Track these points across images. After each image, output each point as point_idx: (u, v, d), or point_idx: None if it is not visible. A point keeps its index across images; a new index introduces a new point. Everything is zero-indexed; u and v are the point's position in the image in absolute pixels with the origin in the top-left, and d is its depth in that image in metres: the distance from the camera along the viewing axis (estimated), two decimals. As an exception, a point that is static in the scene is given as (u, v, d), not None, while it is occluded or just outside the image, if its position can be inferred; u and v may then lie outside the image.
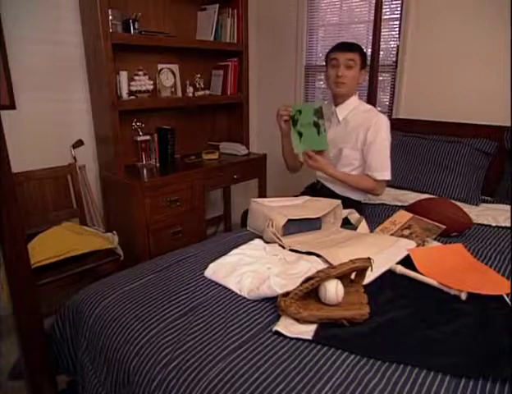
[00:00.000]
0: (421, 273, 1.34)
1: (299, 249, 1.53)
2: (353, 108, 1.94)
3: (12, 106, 2.06)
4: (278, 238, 1.59)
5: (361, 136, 1.89)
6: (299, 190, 2.28)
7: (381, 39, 2.26)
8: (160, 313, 1.19)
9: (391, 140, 1.91)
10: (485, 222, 1.86)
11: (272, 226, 1.62)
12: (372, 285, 1.28)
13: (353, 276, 1.24)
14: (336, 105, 1.97)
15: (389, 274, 1.36)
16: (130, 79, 2.35)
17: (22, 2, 2.02)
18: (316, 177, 2.18)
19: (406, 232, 1.65)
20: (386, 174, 1.88)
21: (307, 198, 1.91)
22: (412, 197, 2.10)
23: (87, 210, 2.34)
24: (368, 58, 2.07)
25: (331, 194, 1.96)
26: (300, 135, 1.85)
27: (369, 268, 1.20)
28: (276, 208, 1.71)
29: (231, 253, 1.53)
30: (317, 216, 1.72)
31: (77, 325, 1.29)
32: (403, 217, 1.75)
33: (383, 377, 0.92)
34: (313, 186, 2.21)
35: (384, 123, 1.87)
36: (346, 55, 1.83)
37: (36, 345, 1.24)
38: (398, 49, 2.56)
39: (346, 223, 1.82)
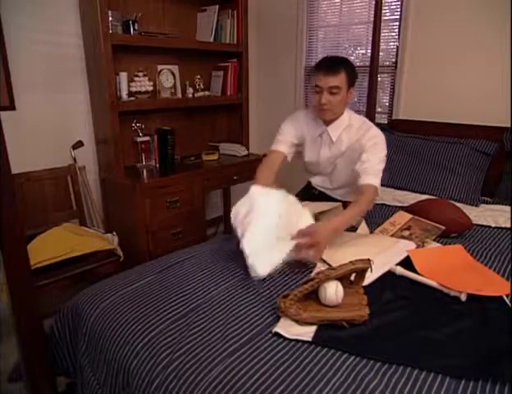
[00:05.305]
0: (421, 274, 1.34)
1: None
2: (346, 126, 1.78)
3: (12, 107, 2.06)
4: None
5: (357, 154, 1.72)
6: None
7: (381, 40, 2.26)
8: (160, 314, 1.19)
9: (386, 152, 1.73)
10: (484, 223, 1.86)
11: None
12: (372, 286, 1.28)
13: (352, 277, 1.25)
14: (327, 124, 1.80)
15: (389, 275, 1.36)
16: (130, 80, 2.35)
17: (22, 3, 2.02)
18: (308, 180, 2.09)
19: (406, 233, 1.65)
20: (377, 181, 1.65)
21: (306, 202, 1.89)
22: (411, 198, 2.10)
23: (87, 211, 2.34)
24: (368, 59, 2.06)
25: (332, 200, 1.93)
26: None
27: (369, 270, 1.20)
28: None
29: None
30: (317, 212, 1.71)
31: (77, 326, 1.29)
32: (402, 218, 1.75)
33: (383, 378, 0.92)
34: (306, 191, 2.09)
35: (379, 136, 1.71)
36: (329, 81, 1.61)
37: (35, 346, 1.24)
38: (398, 50, 2.56)
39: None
